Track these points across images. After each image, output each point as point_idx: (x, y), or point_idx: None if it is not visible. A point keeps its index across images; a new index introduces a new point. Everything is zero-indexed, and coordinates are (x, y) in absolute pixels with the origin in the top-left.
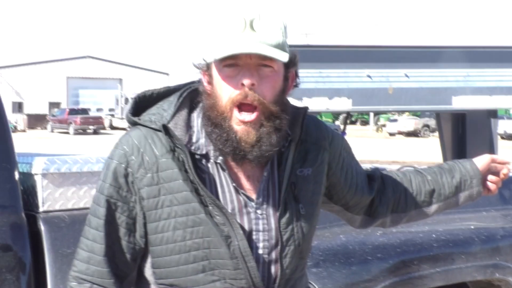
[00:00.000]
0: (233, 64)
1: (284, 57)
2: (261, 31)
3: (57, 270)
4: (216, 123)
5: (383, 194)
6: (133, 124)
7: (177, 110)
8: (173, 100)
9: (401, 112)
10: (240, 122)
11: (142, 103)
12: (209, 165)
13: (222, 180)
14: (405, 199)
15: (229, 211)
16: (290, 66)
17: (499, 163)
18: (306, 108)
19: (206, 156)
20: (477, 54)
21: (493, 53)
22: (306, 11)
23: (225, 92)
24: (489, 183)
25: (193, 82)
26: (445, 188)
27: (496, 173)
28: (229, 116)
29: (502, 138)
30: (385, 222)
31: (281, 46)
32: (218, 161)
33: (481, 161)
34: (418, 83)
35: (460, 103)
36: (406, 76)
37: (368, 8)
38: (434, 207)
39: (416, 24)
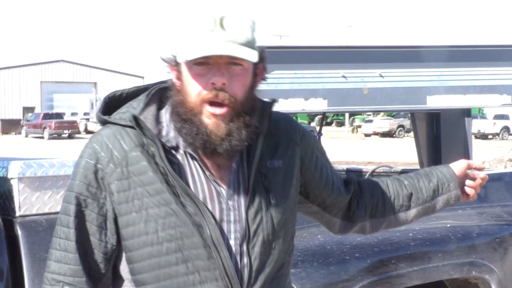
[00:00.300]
0: (203, 63)
1: (253, 56)
2: (230, 30)
3: (35, 275)
4: (185, 118)
5: (361, 198)
6: (103, 123)
7: (146, 106)
8: (142, 98)
9: (376, 112)
10: (211, 115)
11: (112, 104)
12: (179, 156)
13: (193, 170)
14: (383, 203)
15: (201, 200)
16: (259, 62)
17: (476, 168)
18: (273, 101)
19: (176, 149)
20: (450, 53)
21: (466, 52)
22: (279, 13)
23: (194, 90)
24: (467, 188)
25: (162, 82)
26: (422, 192)
27: (473, 178)
28: (199, 110)
29: (476, 137)
30: (364, 227)
31: (250, 44)
32: (189, 150)
33: (458, 166)
34: (393, 83)
35: (434, 102)
36: (381, 76)
37: (341, 9)
38: (413, 211)
39: (389, 24)
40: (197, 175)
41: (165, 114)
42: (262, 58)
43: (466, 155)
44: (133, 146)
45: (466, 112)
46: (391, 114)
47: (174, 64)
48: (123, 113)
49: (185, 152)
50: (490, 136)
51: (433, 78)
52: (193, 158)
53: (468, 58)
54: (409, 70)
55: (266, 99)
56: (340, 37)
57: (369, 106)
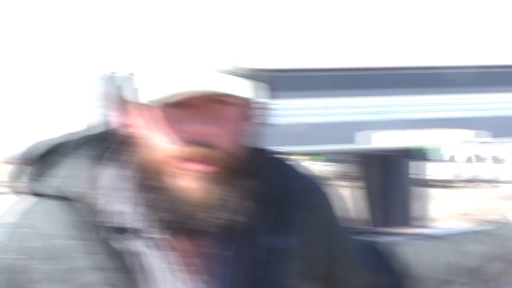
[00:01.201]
0: (177, 103)
1: (249, 91)
2: (214, 56)
3: None
4: (150, 183)
5: (386, 270)
6: (31, 194)
7: (81, 165)
8: (82, 153)
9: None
10: (189, 176)
11: (40, 165)
12: (138, 242)
13: (160, 263)
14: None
15: None
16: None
17: None
18: (279, 154)
19: (133, 231)
20: (388, 78)
21: (414, 75)
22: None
23: (166, 142)
24: None
25: (107, 127)
26: (470, 260)
27: None
28: (171, 171)
29: (441, 185)
30: None
31: (242, 72)
32: (155, 235)
33: None
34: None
35: (364, 140)
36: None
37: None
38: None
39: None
40: (168, 271)
41: (115, 178)
42: (261, 88)
43: (405, 208)
44: (65, 230)
45: (407, 153)
46: (326, 157)
47: (135, 107)
48: (55, 177)
49: (147, 236)
50: (458, 184)
51: (364, 110)
52: (159, 244)
53: (418, 83)
54: (340, 99)
55: (269, 148)
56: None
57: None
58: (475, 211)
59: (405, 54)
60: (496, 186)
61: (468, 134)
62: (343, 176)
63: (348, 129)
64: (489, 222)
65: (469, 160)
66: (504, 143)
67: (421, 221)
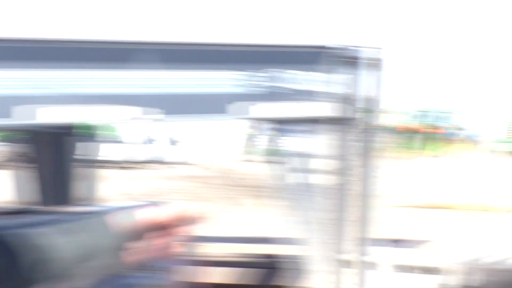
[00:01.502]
0: None
1: None
2: None
3: None
4: None
5: None
6: None
7: None
8: None
9: None
10: None
11: None
12: None
13: None
14: None
15: None
16: None
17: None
18: None
19: None
20: (53, 50)
21: (77, 49)
22: None
23: None
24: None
25: None
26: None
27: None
28: None
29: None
30: None
31: None
32: None
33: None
34: None
35: (27, 116)
36: None
37: None
38: None
39: None
40: None
41: None
42: None
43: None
44: None
45: (77, 132)
46: None
47: None
48: None
49: None
50: (132, 165)
51: (27, 84)
52: None
53: (86, 57)
54: None
55: None
56: None
57: None
58: (143, 192)
59: (70, 26)
60: (169, 167)
61: (137, 111)
62: (15, 156)
63: (7, 103)
64: (85, 211)
65: (144, 141)
66: (173, 121)
67: (87, 201)
